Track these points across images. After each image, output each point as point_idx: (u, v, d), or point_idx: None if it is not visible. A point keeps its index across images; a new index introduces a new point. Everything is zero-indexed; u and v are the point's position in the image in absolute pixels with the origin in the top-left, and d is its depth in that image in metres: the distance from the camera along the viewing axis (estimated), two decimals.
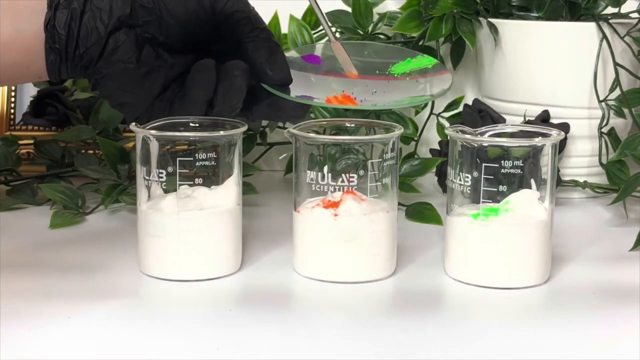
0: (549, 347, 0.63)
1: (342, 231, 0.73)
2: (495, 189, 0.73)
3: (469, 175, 0.73)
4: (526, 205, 0.73)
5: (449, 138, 0.75)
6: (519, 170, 0.72)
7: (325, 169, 0.73)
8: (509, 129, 0.77)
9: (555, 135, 0.73)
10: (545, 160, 0.73)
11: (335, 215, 0.73)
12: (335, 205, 0.73)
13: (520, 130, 0.77)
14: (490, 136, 0.75)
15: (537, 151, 0.73)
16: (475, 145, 0.73)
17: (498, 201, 0.73)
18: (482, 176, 0.72)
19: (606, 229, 0.90)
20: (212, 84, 0.73)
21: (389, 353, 0.62)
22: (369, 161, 0.74)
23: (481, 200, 0.73)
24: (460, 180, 0.73)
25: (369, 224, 0.73)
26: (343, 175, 0.73)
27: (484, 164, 0.72)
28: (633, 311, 0.69)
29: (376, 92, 0.78)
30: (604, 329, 0.66)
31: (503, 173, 0.72)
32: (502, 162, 0.72)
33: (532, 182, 0.73)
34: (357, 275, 0.74)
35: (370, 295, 0.72)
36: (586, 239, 0.86)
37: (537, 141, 0.73)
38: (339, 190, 0.73)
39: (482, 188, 0.72)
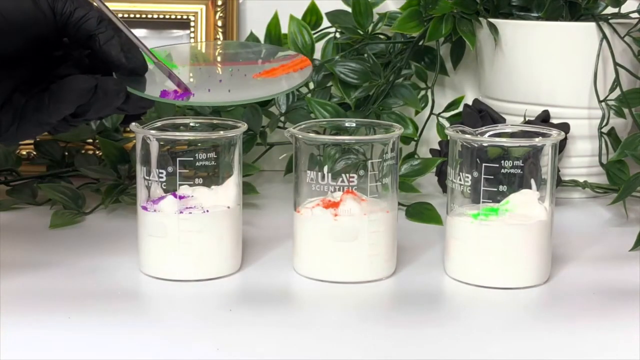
0: (548, 347, 0.63)
1: (342, 231, 0.73)
2: (495, 189, 0.73)
3: (469, 175, 0.73)
4: (526, 205, 0.73)
5: (448, 138, 0.75)
6: (519, 170, 0.72)
7: (325, 169, 0.73)
8: (509, 129, 0.77)
9: (555, 135, 0.73)
10: (545, 160, 0.73)
11: (336, 215, 0.73)
12: (335, 205, 0.73)
13: (520, 130, 0.77)
14: (490, 136, 0.75)
15: (537, 151, 0.73)
16: (475, 145, 0.73)
17: (498, 201, 0.73)
18: (482, 176, 0.72)
19: (606, 229, 0.90)
20: (86, 101, 0.68)
21: (389, 353, 0.62)
22: (369, 161, 0.74)
23: (481, 200, 0.73)
24: (460, 180, 0.73)
25: (369, 224, 0.73)
26: (343, 175, 0.73)
27: (484, 164, 0.72)
28: (633, 311, 0.69)
29: (222, 81, 0.74)
30: (604, 329, 0.66)
31: (503, 173, 0.72)
32: (502, 162, 0.72)
33: (532, 182, 0.73)
34: (357, 275, 0.74)
35: (370, 295, 0.72)
36: (586, 239, 0.86)
37: (537, 141, 0.73)
38: (339, 190, 0.73)
39: (482, 188, 0.72)
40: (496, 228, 0.72)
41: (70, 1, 0.69)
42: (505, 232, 0.72)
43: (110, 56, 0.69)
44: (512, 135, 0.76)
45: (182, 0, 1.09)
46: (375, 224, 0.73)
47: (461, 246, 0.74)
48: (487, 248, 0.72)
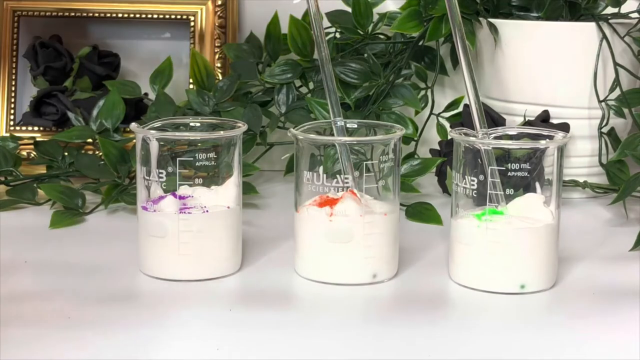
0: (552, 348, 0.63)
1: (337, 232, 0.72)
2: (501, 192, 0.72)
3: (475, 179, 0.72)
4: (532, 208, 0.72)
5: (453, 141, 0.74)
6: (525, 173, 0.72)
7: (321, 169, 0.73)
8: (512, 132, 0.77)
9: (561, 137, 0.73)
10: (551, 163, 0.72)
11: (331, 215, 0.73)
12: (332, 203, 0.73)
13: (525, 132, 0.76)
14: (494, 138, 0.75)
15: (543, 154, 0.72)
16: (480, 148, 0.72)
17: (504, 204, 0.72)
18: (488, 179, 0.72)
19: (606, 229, 0.90)
20: None
21: (388, 354, 0.62)
22: (369, 162, 0.73)
23: (487, 203, 0.72)
24: (465, 183, 0.73)
25: (363, 226, 0.72)
26: (338, 176, 0.72)
27: (489, 167, 0.72)
28: (633, 311, 0.69)
29: None
30: (604, 329, 0.66)
31: (508, 176, 0.72)
32: (508, 165, 0.72)
33: (537, 185, 0.73)
34: (354, 277, 0.73)
35: (370, 297, 0.72)
36: (586, 240, 0.86)
37: (544, 144, 0.72)
38: (335, 190, 0.73)
39: (487, 191, 0.72)
40: (503, 232, 0.71)
41: None
42: (513, 236, 0.71)
43: None
44: (516, 137, 0.76)
45: (182, 0, 1.09)
46: (371, 226, 0.73)
47: (466, 250, 0.73)
48: (493, 252, 0.71)
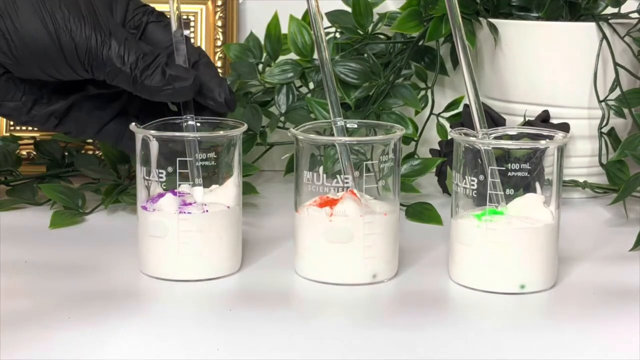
0: (552, 348, 0.63)
1: (337, 232, 0.72)
2: (501, 193, 0.72)
3: (475, 179, 0.72)
4: (531, 208, 0.72)
5: (453, 141, 0.74)
6: (525, 173, 0.72)
7: (321, 169, 0.73)
8: (512, 132, 0.77)
9: (561, 137, 0.73)
10: (551, 163, 0.72)
11: (331, 215, 0.73)
12: (332, 203, 0.73)
13: (525, 132, 0.76)
14: (494, 139, 0.75)
15: (543, 154, 0.72)
16: (481, 148, 0.72)
17: (504, 204, 0.72)
18: (488, 179, 0.72)
19: (606, 229, 0.90)
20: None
21: (388, 354, 0.62)
22: (369, 162, 0.73)
23: (487, 203, 0.72)
24: (465, 183, 0.73)
25: (363, 226, 0.72)
26: (338, 176, 0.72)
27: (489, 167, 0.72)
28: (633, 311, 0.69)
29: None
30: (604, 330, 0.66)
31: (509, 176, 0.72)
32: (508, 165, 0.72)
33: (538, 185, 0.73)
34: (353, 278, 0.73)
35: (371, 298, 0.72)
36: (586, 240, 0.86)
37: (544, 144, 0.72)
38: (335, 190, 0.73)
39: (487, 191, 0.72)
40: (503, 232, 0.71)
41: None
42: (513, 236, 0.71)
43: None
44: (516, 137, 0.76)
45: (182, 0, 1.09)
46: (370, 226, 0.73)
47: (466, 250, 0.73)
48: (493, 252, 0.71)
